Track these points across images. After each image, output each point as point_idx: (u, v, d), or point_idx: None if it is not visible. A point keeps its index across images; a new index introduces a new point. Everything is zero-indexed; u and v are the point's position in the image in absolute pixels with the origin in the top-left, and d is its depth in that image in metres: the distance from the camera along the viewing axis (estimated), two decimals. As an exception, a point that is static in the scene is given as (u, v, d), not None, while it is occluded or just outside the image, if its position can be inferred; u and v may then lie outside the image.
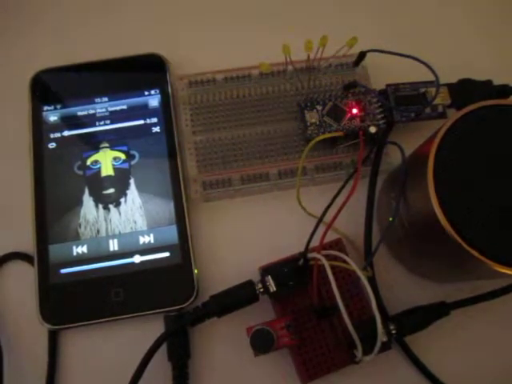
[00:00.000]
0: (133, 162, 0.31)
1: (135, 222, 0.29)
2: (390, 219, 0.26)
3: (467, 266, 0.23)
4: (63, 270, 0.28)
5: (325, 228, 0.25)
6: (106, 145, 0.31)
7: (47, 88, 0.32)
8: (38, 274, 0.28)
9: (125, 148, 0.31)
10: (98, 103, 0.32)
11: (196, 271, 0.28)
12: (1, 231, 0.30)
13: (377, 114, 0.31)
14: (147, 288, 0.28)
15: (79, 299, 0.28)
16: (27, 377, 0.28)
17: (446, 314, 0.27)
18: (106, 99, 0.32)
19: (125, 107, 0.32)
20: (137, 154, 0.31)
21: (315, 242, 0.26)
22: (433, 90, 0.30)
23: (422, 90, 0.31)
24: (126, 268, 0.29)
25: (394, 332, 0.26)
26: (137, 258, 0.29)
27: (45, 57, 0.33)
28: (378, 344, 0.24)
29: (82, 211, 0.30)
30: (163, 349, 0.26)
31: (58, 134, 0.31)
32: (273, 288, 0.26)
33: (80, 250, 0.29)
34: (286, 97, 0.32)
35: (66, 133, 0.31)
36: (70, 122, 0.31)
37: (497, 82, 0.31)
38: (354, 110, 0.30)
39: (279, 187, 0.30)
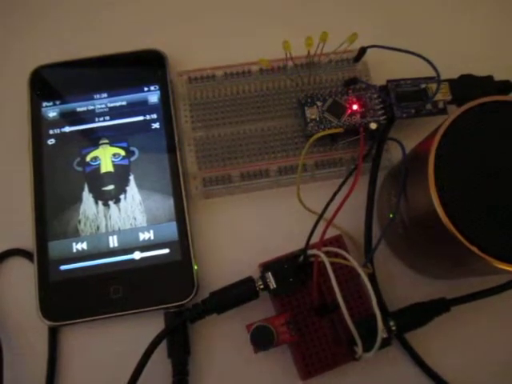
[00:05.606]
0: (132, 159, 0.31)
1: (135, 219, 0.29)
2: (391, 216, 0.26)
3: (467, 262, 0.23)
4: (63, 267, 0.28)
5: (325, 224, 0.25)
6: (106, 141, 0.31)
7: (46, 84, 0.32)
8: (37, 270, 0.28)
9: (124, 144, 0.31)
10: (97, 99, 0.32)
11: (196, 268, 0.28)
12: (0, 228, 0.30)
13: (377, 110, 0.30)
14: (147, 284, 0.28)
15: (79, 296, 0.28)
16: (27, 373, 0.28)
17: (446, 310, 0.27)
18: (105, 95, 0.32)
19: (124, 103, 0.32)
20: (136, 151, 0.31)
21: (315, 239, 0.26)
22: (434, 86, 0.30)
23: (423, 85, 0.31)
24: (126, 264, 0.28)
25: (394, 328, 0.26)
26: (137, 255, 0.29)
27: (44, 52, 0.33)
28: (378, 340, 0.24)
29: (82, 208, 0.30)
30: (163, 345, 0.26)
31: (57, 130, 0.31)
32: (273, 285, 0.26)
33: (80, 246, 0.29)
34: (286, 93, 0.31)
35: (66, 129, 0.31)
36: (70, 118, 0.31)
37: (498, 77, 0.31)
38: (355, 106, 0.30)
39: (279, 184, 0.30)
